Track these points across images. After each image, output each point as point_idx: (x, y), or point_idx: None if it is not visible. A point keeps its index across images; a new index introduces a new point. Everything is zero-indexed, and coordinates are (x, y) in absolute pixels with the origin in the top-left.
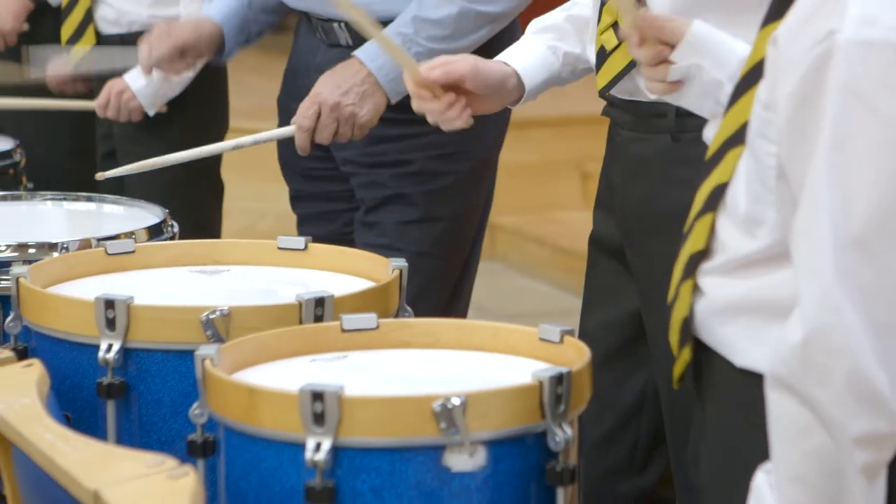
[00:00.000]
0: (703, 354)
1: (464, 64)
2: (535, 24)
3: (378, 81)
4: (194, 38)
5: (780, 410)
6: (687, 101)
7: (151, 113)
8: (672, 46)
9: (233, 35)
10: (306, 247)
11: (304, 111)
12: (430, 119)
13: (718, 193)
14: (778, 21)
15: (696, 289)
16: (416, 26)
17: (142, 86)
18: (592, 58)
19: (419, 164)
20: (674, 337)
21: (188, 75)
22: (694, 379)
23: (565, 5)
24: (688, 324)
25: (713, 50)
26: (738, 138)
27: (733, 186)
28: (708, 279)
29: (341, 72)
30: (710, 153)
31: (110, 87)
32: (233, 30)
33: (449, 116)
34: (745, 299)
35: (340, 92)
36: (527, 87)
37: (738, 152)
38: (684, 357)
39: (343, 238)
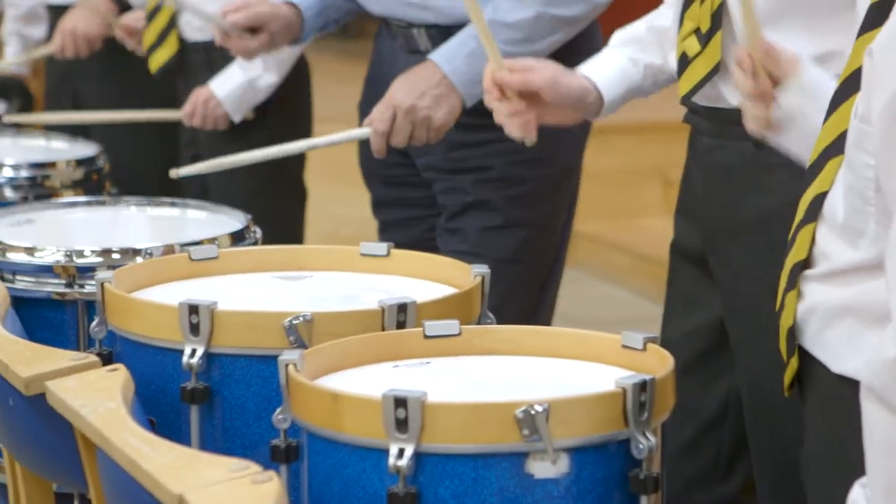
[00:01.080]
0: (804, 359)
1: (543, 75)
2: (617, 36)
3: (453, 84)
4: (271, 15)
5: (874, 421)
6: (785, 142)
7: (237, 120)
8: (779, 82)
9: (311, 17)
10: (389, 253)
11: (380, 114)
12: (495, 118)
13: (818, 203)
14: (875, 30)
15: (798, 295)
16: (491, 29)
17: (227, 93)
18: (674, 65)
19: (500, 169)
20: (782, 346)
21: (272, 79)
22: (795, 386)
23: (647, 16)
24: (793, 333)
25: (820, 95)
26: (837, 147)
27: (832, 196)
28: (810, 285)
29: (416, 75)
30: (810, 161)
31: (196, 97)
32: (311, 11)
33: (512, 123)
34: (846, 305)
35: (415, 95)
36: (606, 100)
37: (837, 162)
38: (793, 366)
39: (425, 244)
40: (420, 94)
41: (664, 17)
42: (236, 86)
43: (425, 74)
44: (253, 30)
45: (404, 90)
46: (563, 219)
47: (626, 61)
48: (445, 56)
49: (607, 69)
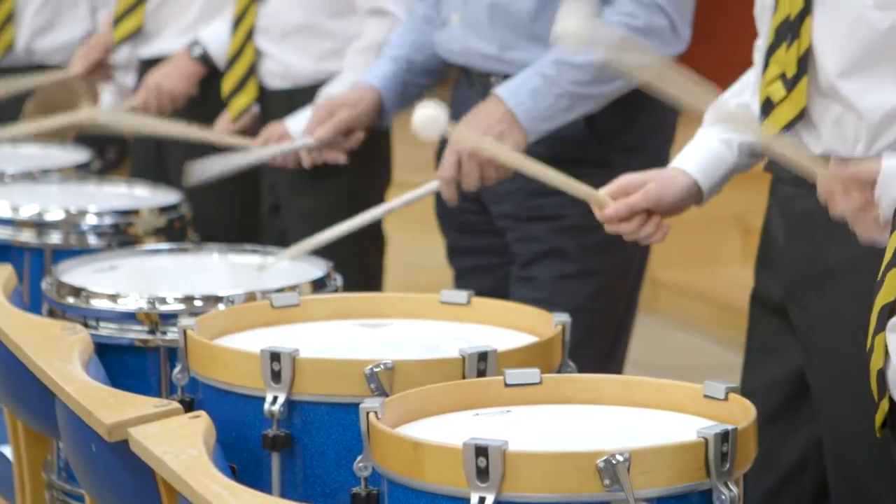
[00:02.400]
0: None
1: (646, 198)
2: (709, 115)
3: (517, 119)
4: (355, 116)
5: None
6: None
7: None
8: (869, 187)
9: (392, 100)
10: (469, 301)
11: (445, 161)
12: (626, 238)
13: None
14: None
15: (888, 336)
16: (558, 69)
17: (303, 131)
18: (756, 109)
19: (575, 218)
20: (873, 387)
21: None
22: (887, 427)
23: (735, 89)
24: (883, 374)
25: None
26: None
27: None
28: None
29: (476, 115)
30: None
31: (270, 132)
32: (392, 94)
33: (645, 234)
34: None
35: (478, 135)
36: (705, 190)
37: None
38: (883, 407)
39: (499, 292)
40: (483, 133)
41: (753, 87)
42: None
43: (486, 112)
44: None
45: (467, 132)
46: (637, 266)
47: (720, 144)
48: (510, 90)
49: (702, 157)
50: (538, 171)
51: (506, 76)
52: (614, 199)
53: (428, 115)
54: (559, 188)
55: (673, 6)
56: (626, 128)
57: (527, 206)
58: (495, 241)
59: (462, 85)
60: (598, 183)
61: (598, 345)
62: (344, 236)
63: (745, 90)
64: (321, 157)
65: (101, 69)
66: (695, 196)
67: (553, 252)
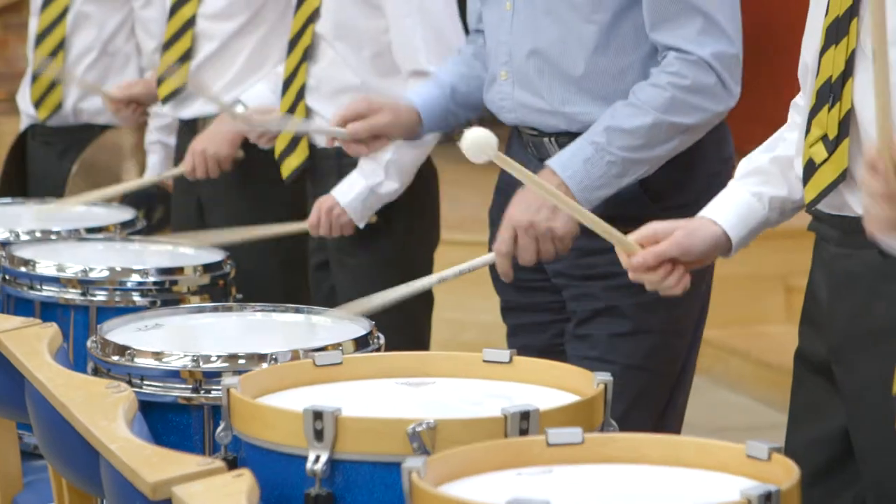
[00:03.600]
0: None
1: (674, 245)
2: (741, 168)
3: (570, 191)
4: (391, 122)
5: None
6: None
7: (362, 225)
8: None
9: (431, 121)
10: (511, 360)
11: (501, 236)
12: (647, 287)
13: None
14: None
15: None
16: (608, 136)
17: (350, 200)
18: (799, 171)
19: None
20: None
21: (393, 186)
22: None
23: (771, 141)
24: None
25: None
26: None
27: None
28: None
29: (531, 191)
30: None
31: (320, 206)
32: (432, 116)
33: (668, 285)
34: None
35: (532, 211)
36: (734, 241)
37: None
38: None
39: (553, 349)
40: (536, 209)
41: (787, 143)
42: (358, 193)
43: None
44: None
45: (521, 207)
46: (693, 326)
47: (751, 197)
48: (562, 162)
49: (732, 209)
50: (574, 208)
51: (558, 134)
52: (642, 245)
53: (479, 137)
54: (592, 228)
55: (721, 63)
56: (681, 185)
57: (581, 265)
58: (550, 298)
59: (514, 144)
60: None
61: (653, 404)
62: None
63: (778, 144)
64: (350, 150)
65: (136, 106)
66: (723, 247)
67: (609, 310)
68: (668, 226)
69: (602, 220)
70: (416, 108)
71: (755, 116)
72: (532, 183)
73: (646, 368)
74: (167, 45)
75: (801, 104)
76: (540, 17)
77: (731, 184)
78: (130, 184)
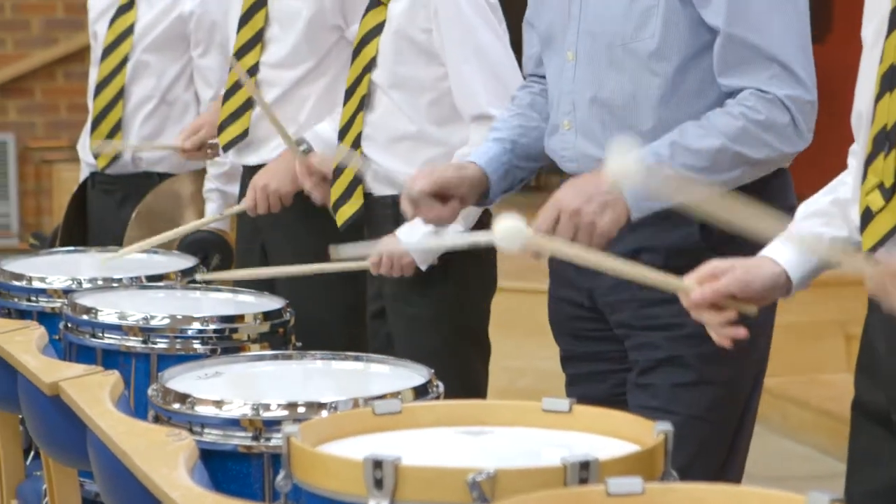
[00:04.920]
0: None
1: (733, 281)
2: (801, 210)
3: (623, 193)
4: (457, 179)
5: None
6: None
7: (424, 268)
8: None
9: (497, 180)
10: (570, 409)
11: (544, 214)
12: (710, 328)
13: None
14: None
15: None
16: (672, 150)
17: (415, 242)
18: (857, 219)
19: (693, 326)
20: None
21: (457, 230)
22: None
23: (832, 184)
24: None
25: None
26: None
27: None
28: None
29: (586, 179)
30: None
31: (382, 245)
32: (497, 174)
33: (726, 332)
34: None
35: (582, 199)
36: (794, 281)
37: None
38: None
39: (614, 399)
40: (587, 199)
41: (847, 186)
42: (422, 234)
43: (595, 180)
44: (442, 196)
45: (571, 193)
46: (755, 376)
47: (811, 238)
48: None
49: (791, 250)
50: (618, 268)
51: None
52: (700, 283)
53: (509, 228)
54: (643, 282)
55: (796, 105)
56: (740, 237)
57: (643, 315)
58: (611, 347)
59: None
60: None
61: (715, 454)
62: (448, 341)
63: (838, 187)
64: (418, 214)
65: (209, 149)
66: (783, 287)
67: (671, 360)
68: (727, 263)
69: (662, 269)
70: (479, 166)
71: (816, 163)
72: (579, 253)
73: (708, 419)
74: (229, 94)
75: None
76: (603, 68)
77: (792, 225)
78: (190, 225)
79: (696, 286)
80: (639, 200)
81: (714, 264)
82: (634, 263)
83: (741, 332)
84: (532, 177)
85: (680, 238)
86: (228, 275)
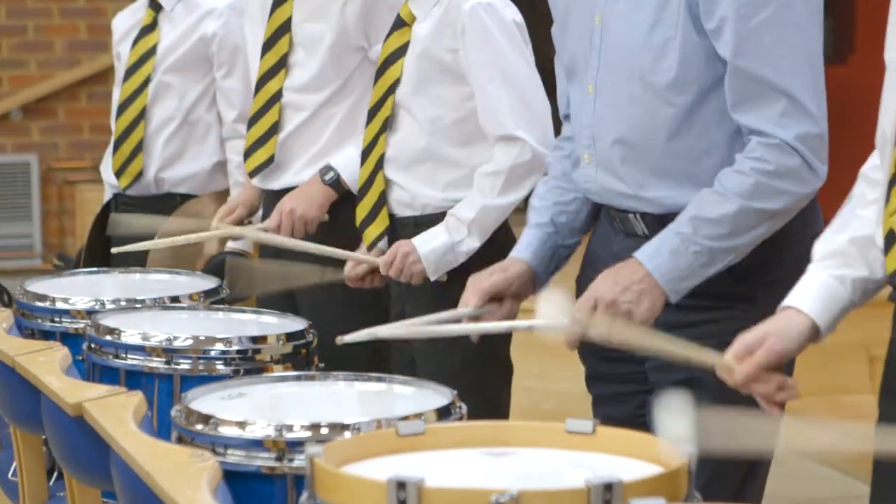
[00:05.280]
0: None
1: (768, 355)
2: (819, 249)
3: (656, 280)
4: (504, 282)
5: None
6: None
7: (433, 278)
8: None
9: (544, 268)
10: (594, 430)
11: (581, 305)
12: (762, 401)
13: None
14: None
15: None
16: (694, 225)
17: (429, 251)
18: (880, 242)
19: (713, 348)
20: None
21: (473, 245)
22: None
23: (841, 222)
24: None
25: None
26: None
27: None
28: None
29: (619, 270)
30: None
31: (397, 247)
32: (543, 263)
33: (780, 398)
34: None
35: (618, 290)
36: (822, 328)
37: None
38: None
39: (637, 420)
40: (623, 289)
41: (862, 220)
42: (439, 245)
43: (628, 270)
44: (495, 299)
45: (607, 284)
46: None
47: (832, 281)
48: (649, 253)
49: (815, 297)
50: (662, 346)
51: (643, 214)
52: (739, 360)
53: (553, 306)
54: (684, 361)
55: (805, 144)
56: (770, 264)
57: None
58: (635, 368)
59: (602, 220)
60: (739, 318)
61: (733, 476)
62: (471, 362)
63: (851, 223)
64: (484, 330)
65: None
66: (813, 336)
67: (691, 382)
68: (759, 335)
69: (688, 296)
70: (523, 260)
71: (843, 186)
72: (622, 333)
73: None
74: (254, 119)
75: (869, 175)
76: (622, 102)
77: (811, 268)
78: (212, 233)
79: (735, 364)
80: (674, 282)
81: (746, 339)
82: (678, 341)
83: (793, 394)
84: (577, 247)
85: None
86: (254, 234)
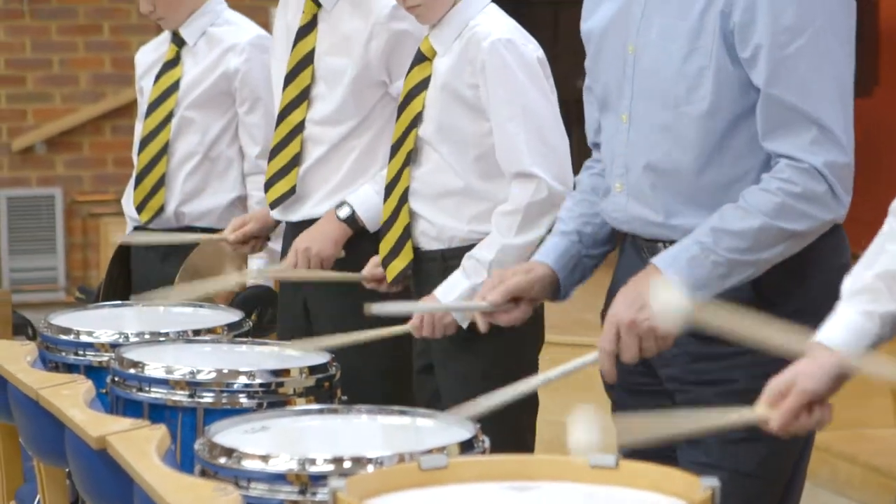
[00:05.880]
0: None
1: (802, 395)
2: (847, 287)
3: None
4: (527, 283)
5: None
6: None
7: (465, 325)
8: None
9: (567, 275)
10: (617, 464)
11: (604, 334)
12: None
13: None
14: None
15: None
16: (715, 236)
17: (453, 301)
18: None
19: (743, 382)
20: None
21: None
22: None
23: (869, 258)
24: None
25: None
26: None
27: None
28: None
29: (634, 286)
30: None
31: (420, 308)
32: (566, 270)
33: (815, 422)
34: None
35: (635, 309)
36: (854, 364)
37: None
38: None
39: (661, 454)
40: (640, 307)
41: (889, 255)
42: (462, 293)
43: (644, 284)
44: (513, 299)
45: (623, 305)
46: (805, 435)
47: (861, 317)
48: (667, 260)
49: (846, 332)
50: (686, 424)
51: (671, 242)
52: (772, 406)
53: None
54: (714, 429)
55: (832, 172)
56: (796, 291)
57: (693, 370)
58: (663, 401)
59: (628, 248)
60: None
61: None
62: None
63: (879, 258)
64: (493, 320)
65: (254, 241)
66: (846, 375)
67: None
68: (789, 378)
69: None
70: (547, 264)
71: (872, 220)
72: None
73: (758, 476)
74: (276, 151)
75: None
76: (655, 131)
77: (840, 305)
78: (230, 278)
79: (768, 413)
80: (690, 291)
81: (777, 384)
82: (710, 411)
83: (826, 420)
84: (602, 261)
85: (732, 292)
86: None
